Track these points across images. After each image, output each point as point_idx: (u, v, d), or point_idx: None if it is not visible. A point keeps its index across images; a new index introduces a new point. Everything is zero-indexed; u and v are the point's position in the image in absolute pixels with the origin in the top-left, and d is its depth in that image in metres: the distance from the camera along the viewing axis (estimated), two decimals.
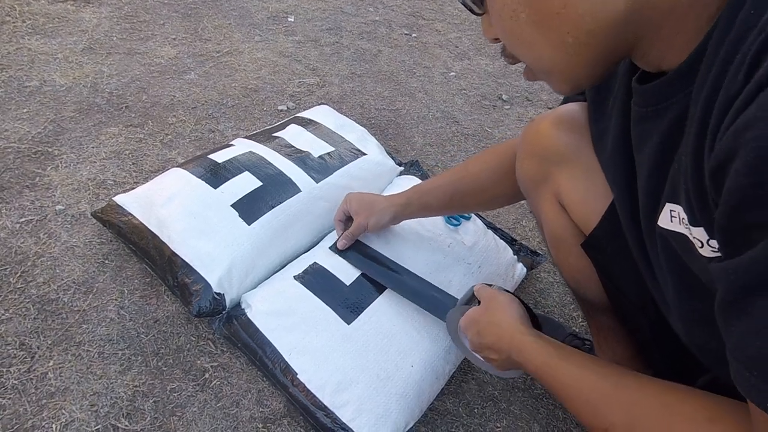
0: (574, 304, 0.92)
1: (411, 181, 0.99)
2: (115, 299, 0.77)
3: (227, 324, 0.72)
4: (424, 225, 0.86)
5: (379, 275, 0.76)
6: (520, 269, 0.89)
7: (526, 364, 0.49)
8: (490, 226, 0.96)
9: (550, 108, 1.50)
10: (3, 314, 0.72)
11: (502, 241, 0.92)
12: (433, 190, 0.75)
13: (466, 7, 0.38)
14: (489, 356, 0.57)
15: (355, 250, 0.80)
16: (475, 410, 0.73)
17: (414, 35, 1.70)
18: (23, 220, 0.85)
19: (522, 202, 1.12)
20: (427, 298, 0.73)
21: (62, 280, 0.78)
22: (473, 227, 0.90)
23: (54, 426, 0.62)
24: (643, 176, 0.41)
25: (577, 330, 0.85)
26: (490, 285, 0.63)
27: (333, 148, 0.97)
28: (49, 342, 0.70)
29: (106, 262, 0.81)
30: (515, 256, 0.90)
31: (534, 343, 0.49)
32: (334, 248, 0.79)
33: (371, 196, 0.82)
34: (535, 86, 1.56)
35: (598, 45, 0.33)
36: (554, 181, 0.58)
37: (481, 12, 0.38)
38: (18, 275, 0.77)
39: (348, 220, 0.81)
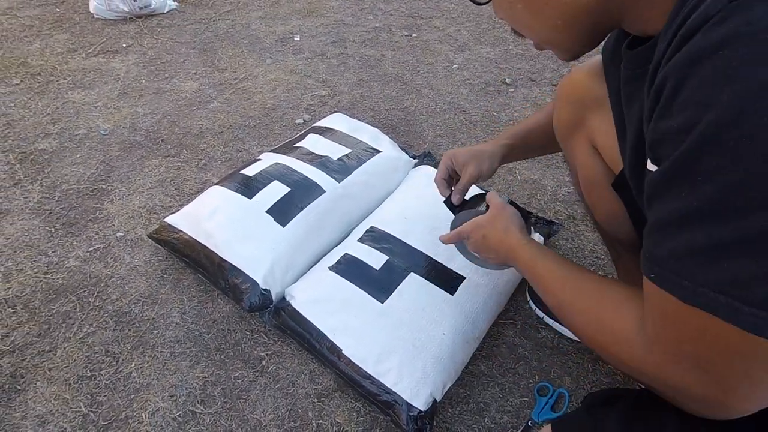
0: (594, 267, 0.96)
1: (426, 172, 1.06)
2: (177, 306, 0.87)
3: (276, 315, 0.81)
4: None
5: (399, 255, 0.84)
6: (537, 239, 0.94)
7: (518, 262, 0.58)
8: None
9: (554, 86, 1.53)
10: (89, 329, 0.83)
11: None
12: (532, 131, 0.77)
13: (472, 0, 0.46)
14: (488, 256, 0.66)
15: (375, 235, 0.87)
16: (509, 370, 0.79)
17: (414, 35, 1.77)
18: (92, 249, 0.97)
19: (534, 177, 1.17)
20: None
21: (131, 295, 0.89)
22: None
23: (143, 415, 0.73)
24: (631, 133, 0.46)
25: None
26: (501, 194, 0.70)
27: (350, 150, 1.06)
28: (129, 347, 0.81)
29: (165, 276, 0.92)
30: (531, 227, 0.95)
31: (525, 245, 0.58)
32: (447, 203, 0.77)
33: (473, 147, 0.79)
34: (537, 66, 1.60)
35: (584, 23, 0.40)
36: (588, 125, 0.63)
37: (485, 1, 0.46)
38: (95, 295, 0.89)
39: (450, 178, 0.79)
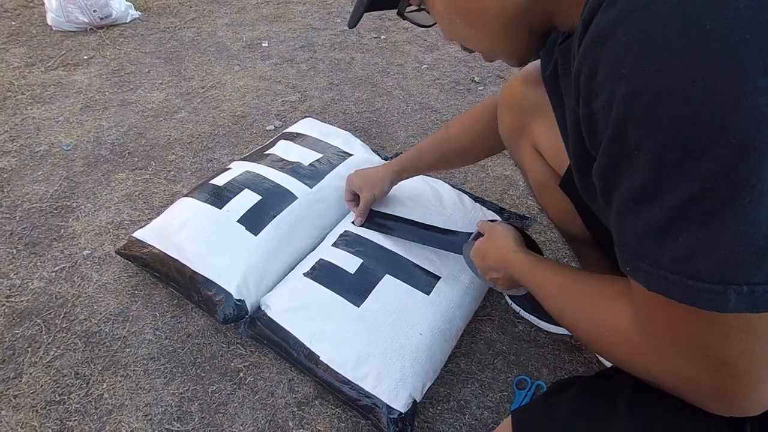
0: (567, 257, 0.98)
1: None
2: (150, 323, 0.85)
3: (252, 326, 0.79)
4: (420, 210, 0.93)
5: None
6: None
7: (516, 275, 0.57)
8: (477, 199, 1.03)
9: None
10: (56, 351, 0.80)
11: (489, 211, 0.99)
12: (422, 155, 0.85)
13: (417, 24, 0.48)
14: (492, 276, 0.66)
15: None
16: (487, 366, 0.80)
17: (383, 37, 1.78)
18: (57, 268, 0.94)
19: (506, 173, 1.19)
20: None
21: (101, 314, 0.86)
22: (460, 205, 0.97)
23: None
24: (570, 128, 0.48)
25: None
26: (493, 220, 0.73)
27: (321, 155, 1.05)
28: (100, 368, 0.78)
29: (136, 292, 0.90)
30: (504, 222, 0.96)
31: (521, 257, 0.58)
32: (354, 225, 0.90)
33: (368, 170, 0.92)
34: (504, 64, 1.62)
35: (520, 26, 0.41)
36: (530, 130, 0.66)
37: (429, 25, 0.47)
38: (62, 316, 0.86)
39: (356, 198, 0.92)
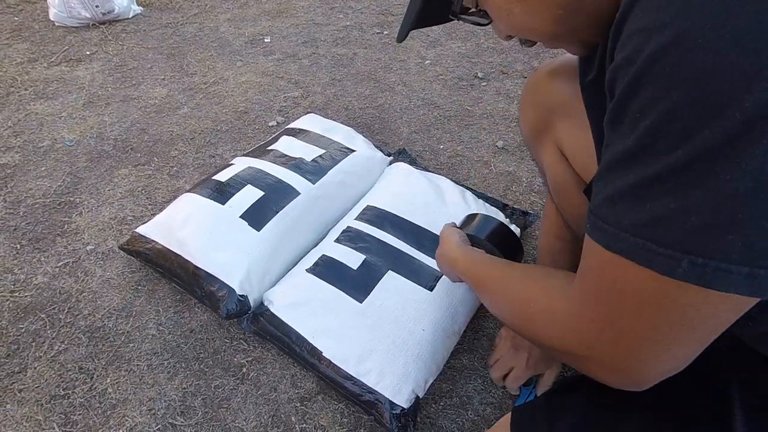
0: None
1: (401, 169, 1.05)
2: (153, 318, 0.85)
3: (254, 321, 0.79)
4: (422, 208, 0.93)
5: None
6: (514, 229, 0.95)
7: (459, 271, 0.59)
8: (480, 196, 1.02)
9: (525, 78, 1.55)
10: (60, 346, 0.81)
11: (493, 207, 0.98)
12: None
13: (474, 24, 0.45)
14: (450, 276, 0.67)
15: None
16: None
17: (386, 32, 1.77)
18: (61, 263, 0.94)
19: (509, 169, 1.18)
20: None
21: (104, 309, 0.87)
22: (462, 201, 0.96)
23: (121, 431, 0.71)
24: (599, 130, 0.46)
25: None
26: (472, 216, 0.75)
27: (324, 150, 1.05)
28: (104, 363, 0.79)
29: (139, 287, 0.90)
30: (507, 219, 0.96)
31: (460, 253, 0.60)
32: None
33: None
34: (508, 59, 1.62)
35: (587, 10, 0.37)
36: (555, 129, 0.61)
37: (487, 22, 0.44)
38: (66, 311, 0.86)
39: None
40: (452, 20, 0.44)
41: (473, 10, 0.43)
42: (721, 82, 0.23)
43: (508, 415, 0.49)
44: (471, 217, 0.75)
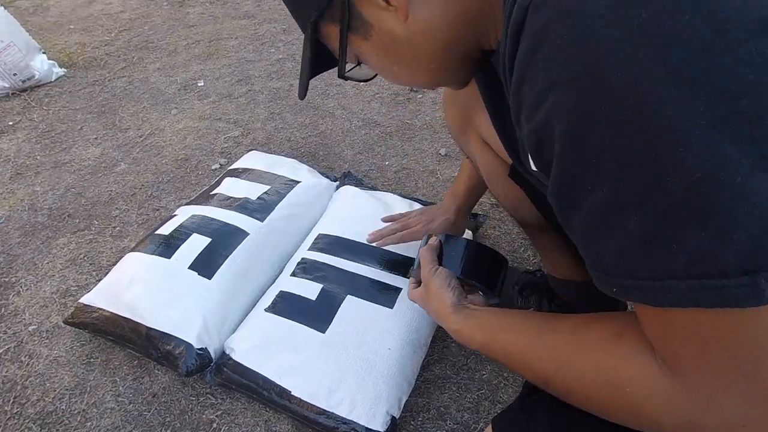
0: (524, 248, 1.01)
1: (348, 192, 1.06)
2: (110, 390, 0.81)
3: (218, 373, 0.77)
4: (373, 229, 0.94)
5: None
6: (466, 234, 0.97)
7: (470, 344, 0.49)
8: (430, 205, 1.04)
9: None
10: None
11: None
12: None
13: (359, 81, 0.49)
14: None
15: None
16: (462, 367, 0.80)
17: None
18: (1, 351, 0.88)
19: (455, 174, 1.21)
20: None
21: (55, 391, 0.81)
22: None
23: None
24: (503, 135, 0.50)
25: (529, 267, 0.93)
26: (438, 235, 0.63)
27: (269, 186, 1.04)
28: None
29: (92, 360, 0.85)
30: None
31: (466, 329, 0.49)
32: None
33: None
34: None
35: (454, 58, 0.42)
36: (475, 122, 0.66)
37: (370, 78, 0.49)
38: (12, 402, 0.80)
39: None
40: None
41: (356, 65, 0.46)
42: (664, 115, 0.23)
43: (488, 428, 0.49)
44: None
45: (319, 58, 0.45)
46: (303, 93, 0.48)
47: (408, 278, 0.83)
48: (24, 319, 0.93)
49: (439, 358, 0.81)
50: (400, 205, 1.00)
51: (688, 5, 0.22)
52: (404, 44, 0.40)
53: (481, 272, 0.59)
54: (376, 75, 0.48)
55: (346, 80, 0.46)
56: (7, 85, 1.62)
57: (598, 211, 0.27)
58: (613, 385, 0.31)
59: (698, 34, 0.22)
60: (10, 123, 1.52)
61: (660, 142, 0.23)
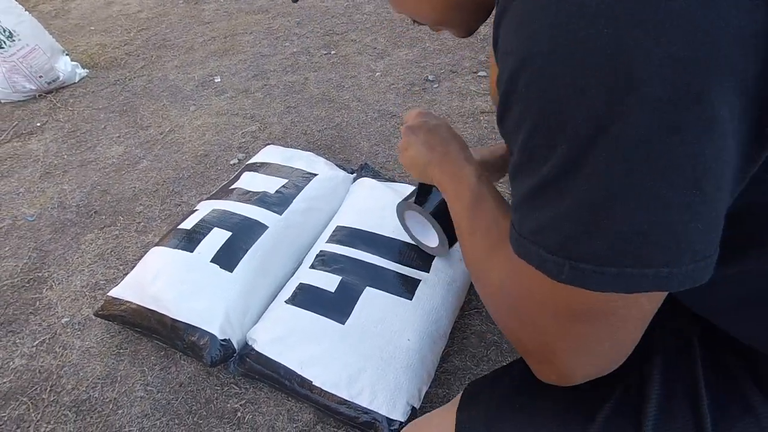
0: None
1: (366, 184, 1.06)
2: (140, 379, 0.84)
3: (241, 363, 0.78)
4: (390, 220, 0.94)
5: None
6: None
7: (448, 179, 0.50)
8: None
9: (474, 73, 1.58)
10: (46, 427, 0.78)
11: None
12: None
13: None
14: (412, 159, 0.56)
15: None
16: (482, 359, 0.80)
17: (333, 52, 1.79)
18: (37, 342, 0.92)
19: None
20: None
21: (88, 380, 0.85)
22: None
23: None
24: None
25: None
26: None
27: (286, 180, 1.05)
28: None
29: (121, 351, 0.88)
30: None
31: (473, 170, 0.50)
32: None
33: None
34: (456, 58, 1.65)
35: (467, 1, 0.42)
36: None
37: None
38: (48, 390, 0.84)
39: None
40: None
41: None
42: (558, 103, 0.25)
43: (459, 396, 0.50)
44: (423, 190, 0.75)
45: None
46: None
47: (425, 271, 0.83)
48: (57, 311, 0.97)
49: (459, 349, 0.81)
50: None
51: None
52: None
53: (446, 222, 0.68)
54: None
55: None
56: (33, 88, 1.67)
57: (512, 170, 0.30)
58: (486, 277, 0.40)
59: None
60: (38, 124, 1.58)
61: (552, 132, 0.26)
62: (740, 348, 0.37)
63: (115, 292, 0.89)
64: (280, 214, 0.96)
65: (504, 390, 0.44)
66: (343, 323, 0.76)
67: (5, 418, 0.80)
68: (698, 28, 0.21)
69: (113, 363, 0.86)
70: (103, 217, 1.19)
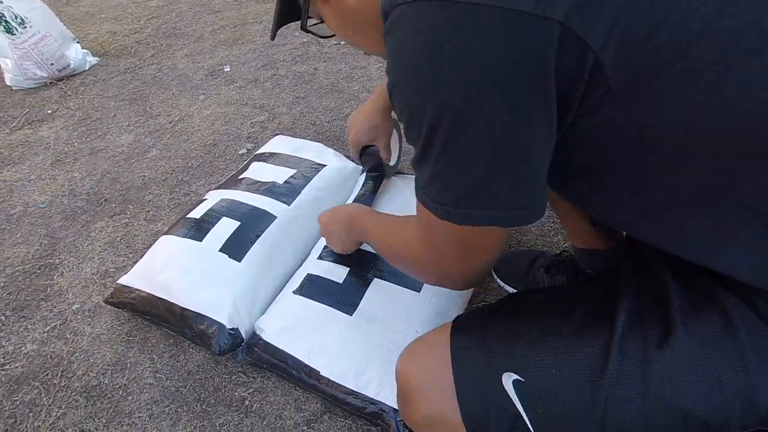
0: (554, 233, 0.98)
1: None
2: (149, 366, 0.84)
3: (249, 352, 0.79)
4: (399, 211, 0.93)
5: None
6: None
7: (357, 227, 0.74)
8: None
9: None
10: (58, 411, 0.79)
11: None
12: None
13: (318, 36, 0.56)
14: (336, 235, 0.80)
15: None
16: None
17: (342, 42, 1.78)
18: (48, 328, 0.93)
19: None
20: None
21: (98, 366, 0.85)
22: None
23: None
24: None
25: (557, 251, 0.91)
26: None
27: (295, 170, 1.04)
28: (104, 421, 0.78)
29: (131, 338, 0.89)
30: None
31: (364, 212, 0.75)
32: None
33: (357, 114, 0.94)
34: None
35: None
36: None
37: (329, 36, 0.56)
38: (59, 375, 0.85)
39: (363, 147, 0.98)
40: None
41: (318, 22, 0.53)
42: (413, 104, 0.37)
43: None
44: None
45: (290, 10, 0.54)
46: (272, 36, 0.58)
47: None
48: (68, 298, 0.98)
49: None
50: None
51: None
52: (354, 13, 0.47)
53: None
54: (334, 35, 0.55)
55: (307, 33, 0.55)
56: (45, 75, 1.68)
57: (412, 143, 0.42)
58: (397, 244, 0.57)
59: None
60: (49, 111, 1.58)
61: (413, 119, 0.39)
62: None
63: (124, 280, 0.90)
64: (289, 205, 0.96)
65: (493, 306, 0.52)
66: (351, 314, 0.76)
67: (18, 402, 0.81)
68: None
69: (123, 350, 0.87)
70: (113, 205, 1.20)
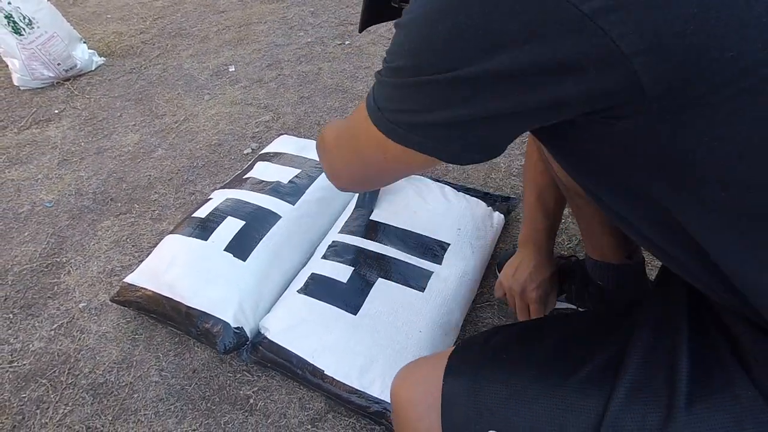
0: (558, 233, 0.98)
1: None
2: (155, 365, 0.85)
3: (254, 351, 0.79)
4: (404, 211, 0.93)
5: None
6: (497, 217, 0.95)
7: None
8: (460, 189, 1.02)
9: None
10: (65, 408, 0.80)
11: (474, 198, 0.98)
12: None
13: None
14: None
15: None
16: None
17: (347, 42, 1.78)
18: (55, 326, 0.94)
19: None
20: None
21: (104, 364, 0.86)
22: (442, 198, 0.96)
23: None
24: None
25: (564, 253, 0.91)
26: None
27: (299, 170, 1.05)
28: (110, 418, 0.78)
29: (137, 336, 0.90)
30: (490, 208, 0.96)
31: None
32: None
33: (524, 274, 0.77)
34: None
35: None
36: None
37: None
38: (66, 373, 0.86)
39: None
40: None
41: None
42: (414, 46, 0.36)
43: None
44: None
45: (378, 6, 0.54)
46: (360, 29, 0.58)
47: (437, 264, 0.83)
48: (74, 296, 0.99)
49: None
50: (431, 189, 0.99)
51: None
52: None
53: None
54: None
55: (401, 6, 0.52)
56: (52, 75, 1.69)
57: (386, 65, 0.39)
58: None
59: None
60: (56, 111, 1.60)
61: (405, 54, 0.37)
62: (726, 323, 0.41)
63: (130, 279, 0.91)
64: (293, 204, 0.96)
65: (495, 344, 0.49)
66: (355, 314, 0.76)
67: (26, 399, 0.82)
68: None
69: (129, 348, 0.88)
70: (119, 204, 1.21)
